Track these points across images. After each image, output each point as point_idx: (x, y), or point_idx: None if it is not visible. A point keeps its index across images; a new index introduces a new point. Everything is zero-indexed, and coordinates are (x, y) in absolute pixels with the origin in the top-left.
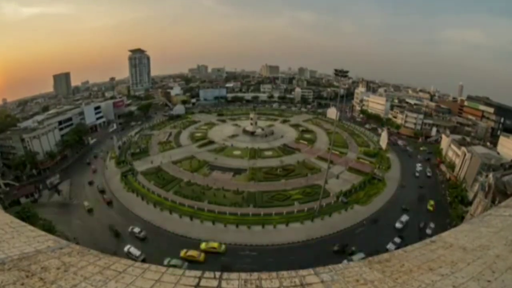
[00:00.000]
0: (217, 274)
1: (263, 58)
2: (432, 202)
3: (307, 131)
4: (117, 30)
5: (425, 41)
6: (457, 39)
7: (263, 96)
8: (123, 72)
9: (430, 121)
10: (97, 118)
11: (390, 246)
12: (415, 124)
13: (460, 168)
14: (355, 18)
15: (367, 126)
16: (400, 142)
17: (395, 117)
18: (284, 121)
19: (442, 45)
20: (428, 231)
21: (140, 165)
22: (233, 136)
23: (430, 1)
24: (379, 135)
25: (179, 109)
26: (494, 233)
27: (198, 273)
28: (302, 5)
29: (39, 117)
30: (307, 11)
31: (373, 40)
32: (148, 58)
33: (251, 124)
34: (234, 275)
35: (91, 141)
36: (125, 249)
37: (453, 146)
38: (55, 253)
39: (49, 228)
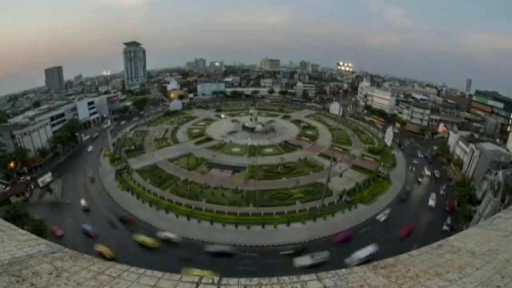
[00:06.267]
0: (216, 279)
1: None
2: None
3: (309, 127)
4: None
5: (447, 43)
6: (478, 42)
7: (263, 91)
8: (117, 66)
9: (437, 117)
10: (91, 114)
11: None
12: (421, 120)
13: (468, 166)
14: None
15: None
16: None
17: (400, 112)
18: (285, 117)
19: (462, 47)
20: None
21: (136, 163)
22: (232, 132)
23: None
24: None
25: (176, 104)
26: (504, 236)
27: (196, 278)
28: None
29: (30, 113)
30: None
31: (383, 39)
32: (143, 52)
33: (251, 120)
34: (233, 280)
35: (84, 138)
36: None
37: (461, 143)
38: (47, 258)
39: (41, 229)
